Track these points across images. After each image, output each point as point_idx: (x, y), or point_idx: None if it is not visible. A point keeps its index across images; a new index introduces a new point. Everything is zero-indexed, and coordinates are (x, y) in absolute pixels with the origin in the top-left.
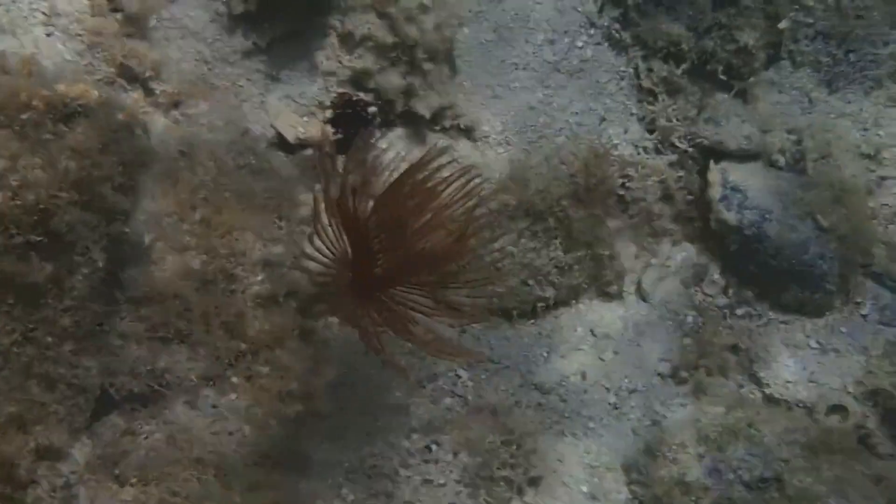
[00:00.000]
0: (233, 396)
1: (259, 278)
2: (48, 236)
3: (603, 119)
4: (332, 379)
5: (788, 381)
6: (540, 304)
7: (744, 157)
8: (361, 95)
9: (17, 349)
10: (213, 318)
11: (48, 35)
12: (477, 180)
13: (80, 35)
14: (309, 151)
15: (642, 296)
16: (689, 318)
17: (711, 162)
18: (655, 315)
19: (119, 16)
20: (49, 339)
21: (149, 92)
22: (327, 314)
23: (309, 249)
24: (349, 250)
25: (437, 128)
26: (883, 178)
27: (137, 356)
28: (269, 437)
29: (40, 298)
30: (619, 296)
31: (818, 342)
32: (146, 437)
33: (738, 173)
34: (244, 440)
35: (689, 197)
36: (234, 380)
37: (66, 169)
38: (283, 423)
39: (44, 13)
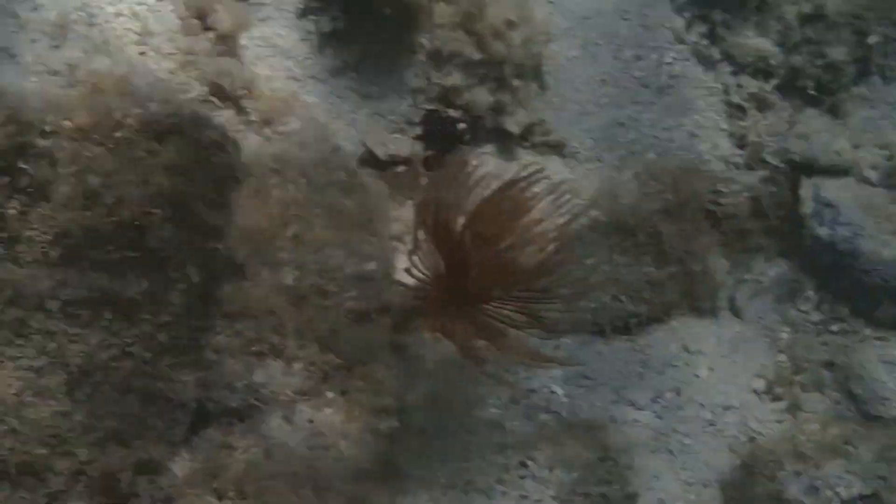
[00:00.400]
0: (328, 411)
1: (352, 294)
2: (144, 252)
3: (693, 135)
4: (427, 394)
5: (885, 398)
6: (633, 320)
7: (835, 172)
8: (450, 112)
9: (116, 364)
10: (307, 333)
11: (141, 54)
12: (567, 196)
13: (172, 54)
14: (399, 168)
15: (736, 312)
16: (784, 335)
17: (803, 177)
18: (749, 331)
19: (211, 35)
20: (147, 353)
21: (240, 110)
22: (422, 329)
23: (406, 265)
24: (443, 266)
25: (527, 144)
26: None
27: (233, 371)
28: (364, 452)
29: (137, 314)
30: (712, 312)
31: None
32: (243, 451)
33: (830, 189)
34: (340, 455)
35: (781, 212)
36: (329, 395)
37: (160, 186)
38: (379, 438)
39: (137, 33)
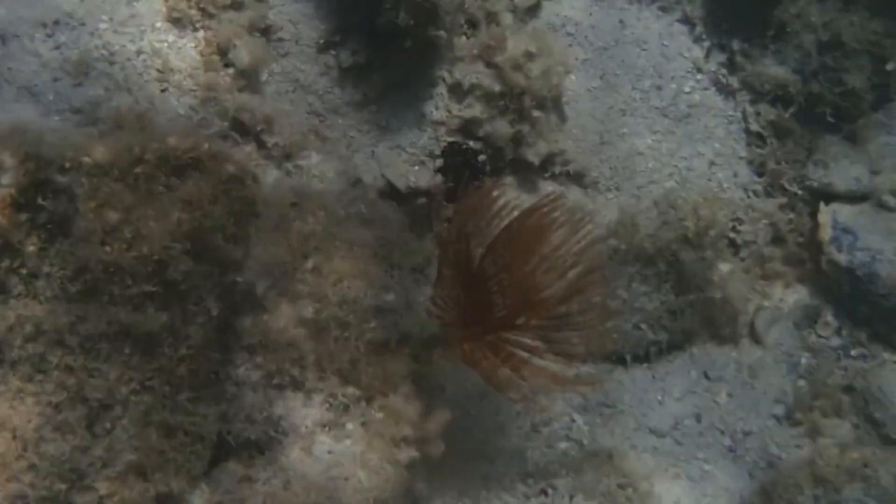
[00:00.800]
0: (348, 442)
1: (371, 325)
2: (163, 286)
3: (712, 163)
4: (447, 423)
5: None
6: (653, 348)
7: (854, 198)
8: (471, 144)
9: (136, 398)
10: (326, 364)
11: (162, 91)
12: (587, 224)
13: (193, 90)
14: (420, 200)
15: (755, 338)
16: (803, 360)
17: (821, 204)
18: (769, 357)
19: (231, 71)
20: (166, 387)
21: (261, 144)
22: (444, 359)
23: (428, 295)
24: (464, 295)
25: (547, 174)
26: None
27: (253, 403)
28: (384, 483)
29: (157, 348)
30: (732, 338)
31: None
32: (263, 484)
33: (849, 215)
34: (360, 486)
35: (800, 239)
36: (349, 426)
37: (179, 220)
38: (399, 469)
39: (158, 70)
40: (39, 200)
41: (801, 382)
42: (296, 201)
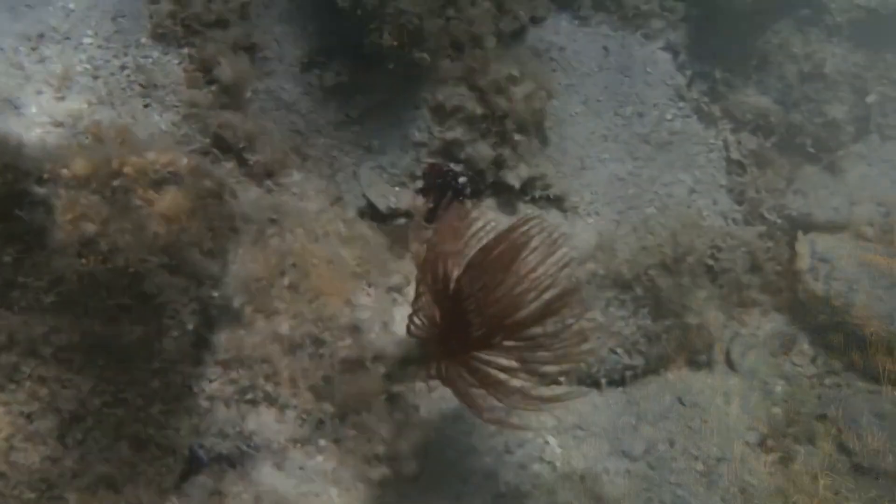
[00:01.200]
0: (319, 459)
1: (347, 343)
2: (138, 299)
3: (692, 190)
4: (420, 443)
5: (876, 450)
6: (628, 373)
7: (832, 228)
8: (452, 166)
9: (108, 410)
10: (300, 381)
11: (145, 106)
12: (562, 246)
13: (176, 106)
14: (400, 220)
15: (731, 365)
16: (778, 388)
17: (800, 233)
18: (744, 384)
19: (214, 88)
20: (139, 400)
21: (242, 162)
22: (420, 378)
23: (406, 315)
24: (439, 314)
25: (527, 198)
26: None
27: (226, 418)
28: (355, 499)
29: (131, 360)
30: (707, 365)
31: None
32: (234, 498)
33: (827, 244)
34: (330, 502)
35: (778, 267)
36: (322, 442)
37: (155, 234)
38: (370, 486)
39: (141, 85)
40: (16, 211)
41: (776, 409)
42: (275, 218)
